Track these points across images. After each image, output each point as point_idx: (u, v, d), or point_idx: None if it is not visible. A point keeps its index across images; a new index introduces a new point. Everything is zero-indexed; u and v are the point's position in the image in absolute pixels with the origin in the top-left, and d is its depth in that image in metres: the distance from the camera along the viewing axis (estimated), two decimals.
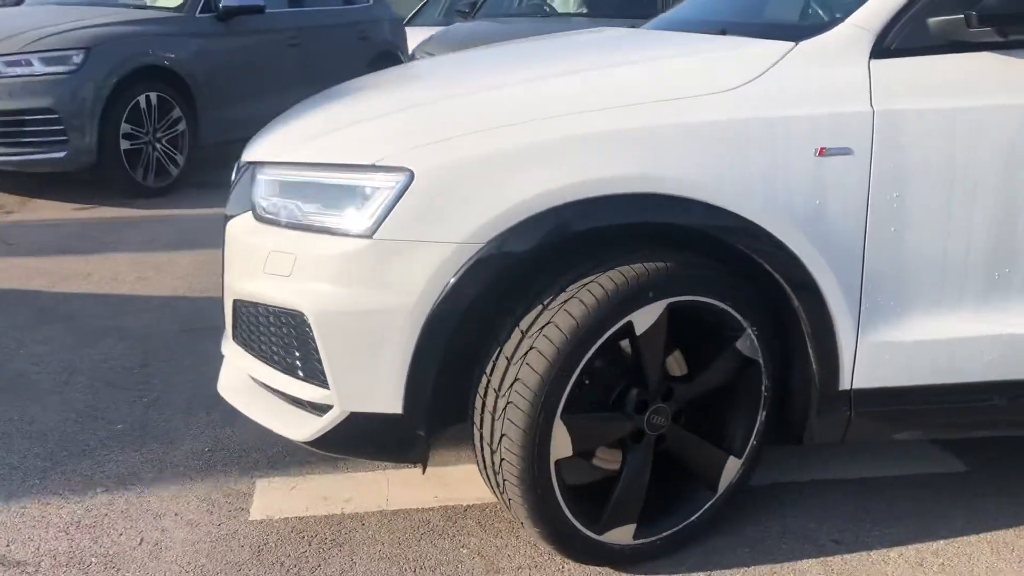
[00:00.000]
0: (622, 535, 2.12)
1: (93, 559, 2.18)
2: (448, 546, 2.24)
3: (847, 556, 2.23)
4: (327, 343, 2.00)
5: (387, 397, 2.00)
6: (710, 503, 2.23)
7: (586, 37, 2.94)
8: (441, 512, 2.39)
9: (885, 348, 2.09)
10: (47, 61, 5.57)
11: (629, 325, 1.97)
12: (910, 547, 2.27)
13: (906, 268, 2.05)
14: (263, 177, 2.17)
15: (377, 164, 1.98)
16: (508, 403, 1.94)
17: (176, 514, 2.38)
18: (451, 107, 2.16)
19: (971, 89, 2.02)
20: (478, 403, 2.04)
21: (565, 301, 1.94)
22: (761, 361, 2.14)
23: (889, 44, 2.03)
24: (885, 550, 2.25)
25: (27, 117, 5.51)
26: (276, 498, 2.46)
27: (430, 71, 2.68)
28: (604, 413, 2.08)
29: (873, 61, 2.02)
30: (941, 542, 2.29)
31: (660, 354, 2.06)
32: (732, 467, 2.22)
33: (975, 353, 2.12)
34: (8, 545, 2.24)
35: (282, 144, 2.27)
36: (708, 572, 2.16)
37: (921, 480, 2.59)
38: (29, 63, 5.56)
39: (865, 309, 2.06)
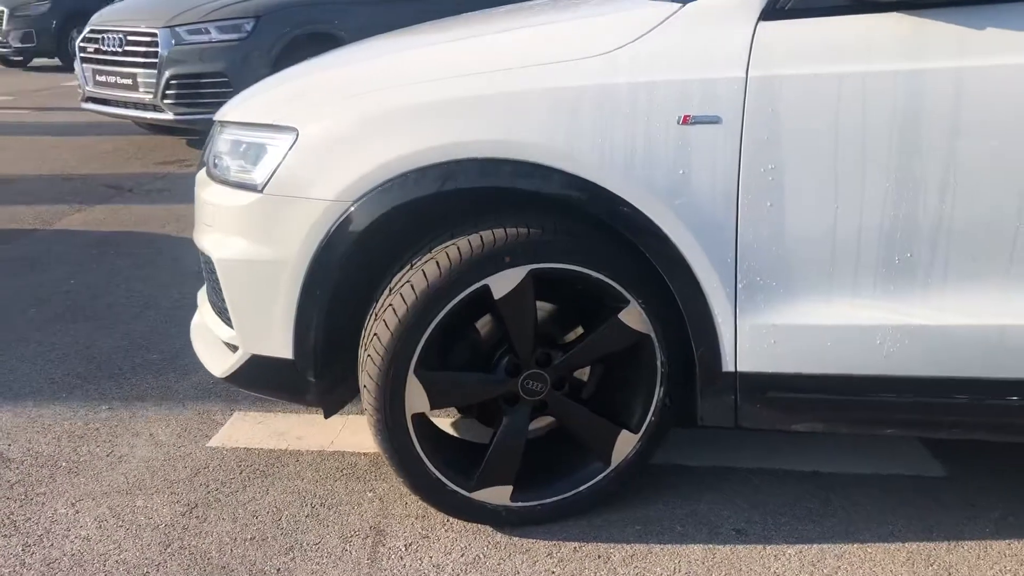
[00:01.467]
0: (497, 496, 2.16)
1: (64, 463, 2.52)
2: (358, 488, 2.38)
3: (738, 547, 2.13)
4: (229, 288, 2.19)
5: (280, 343, 2.15)
6: (601, 476, 2.21)
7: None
8: (371, 458, 2.52)
9: (769, 331, 1.97)
10: (222, 29, 6.17)
11: (486, 289, 1.99)
12: (815, 546, 2.13)
13: (788, 246, 1.91)
14: (215, 134, 2.38)
15: (273, 123, 2.13)
16: (367, 356, 2.04)
17: (151, 435, 2.68)
18: (350, 71, 2.27)
19: (870, 53, 1.84)
20: (358, 356, 2.14)
21: (425, 262, 2.00)
22: (653, 335, 2.08)
23: (784, 4, 1.89)
24: (785, 546, 2.13)
25: (203, 80, 6.13)
26: (240, 429, 2.69)
27: (388, 38, 2.75)
28: (467, 373, 2.12)
29: (762, 23, 1.89)
30: (855, 545, 2.13)
31: (528, 319, 2.06)
32: (627, 442, 2.18)
33: (874, 344, 1.94)
34: (10, 445, 2.62)
35: (234, 104, 2.46)
36: (581, 544, 2.14)
37: (883, 481, 2.40)
38: (207, 31, 6.18)
39: (742, 288, 1.95)
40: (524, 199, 2.00)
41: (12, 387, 2.98)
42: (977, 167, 1.82)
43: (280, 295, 2.11)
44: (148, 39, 6.23)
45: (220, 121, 2.37)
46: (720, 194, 1.90)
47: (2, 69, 13.79)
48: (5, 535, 2.20)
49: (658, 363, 2.11)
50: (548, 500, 2.19)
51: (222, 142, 2.32)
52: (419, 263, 2.01)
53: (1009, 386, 1.93)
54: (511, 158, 1.94)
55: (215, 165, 2.33)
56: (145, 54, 6.25)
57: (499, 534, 2.19)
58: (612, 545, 2.14)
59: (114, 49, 6.44)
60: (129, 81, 6.35)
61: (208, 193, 2.30)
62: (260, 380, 2.26)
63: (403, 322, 1.98)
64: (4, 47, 12.96)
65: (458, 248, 1.98)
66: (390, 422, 2.05)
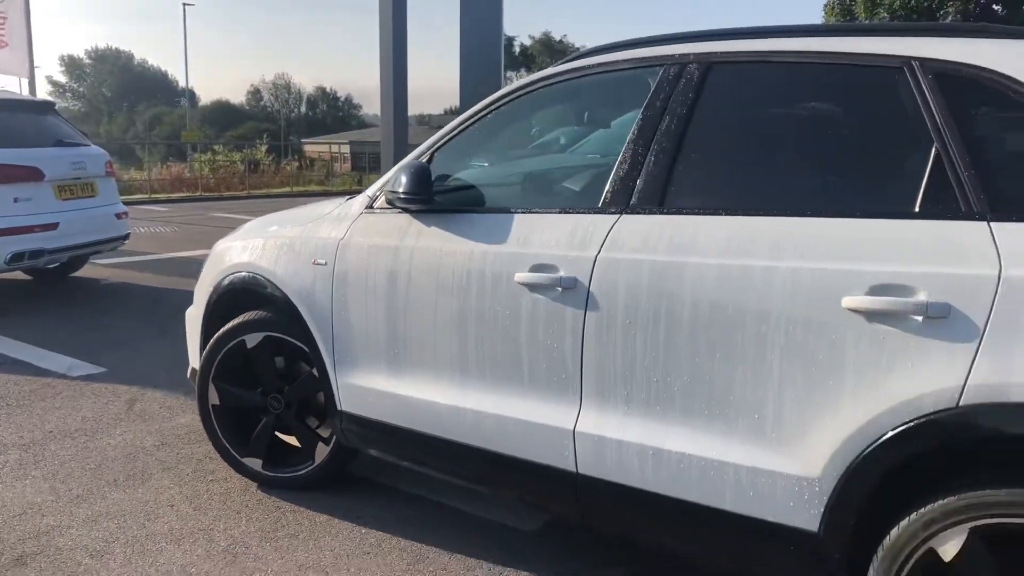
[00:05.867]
0: (255, 464, 3.83)
1: (159, 418, 4.73)
2: None
3: (349, 534, 3.52)
4: (186, 327, 4.22)
5: (197, 360, 4.12)
6: (309, 468, 3.75)
7: None
8: None
9: (349, 386, 3.40)
10: None
11: (243, 342, 3.75)
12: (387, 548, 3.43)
13: (351, 337, 3.35)
14: None
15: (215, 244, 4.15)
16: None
17: None
18: (243, 226, 4.17)
19: (387, 234, 3.24)
20: None
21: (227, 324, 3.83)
22: None
23: (374, 205, 3.41)
24: (376, 536, 3.47)
25: None
26: None
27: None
28: (238, 388, 3.84)
29: (363, 214, 3.41)
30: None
31: (268, 362, 3.73)
32: (322, 450, 3.72)
33: (390, 403, 3.26)
34: (136, 397, 4.92)
35: None
36: (283, 501, 3.71)
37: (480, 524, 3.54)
38: None
39: (337, 359, 3.42)
40: (269, 296, 3.71)
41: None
42: (419, 301, 3.12)
43: (198, 332, 4.07)
44: None
45: None
46: (326, 303, 3.42)
47: None
48: (122, 431, 4.44)
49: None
50: (280, 475, 3.80)
51: None
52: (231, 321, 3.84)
53: (464, 449, 3.08)
54: (257, 274, 3.69)
55: None
56: None
57: (253, 485, 3.84)
58: (297, 506, 3.66)
59: None
60: None
61: None
62: (195, 380, 4.22)
63: (207, 353, 3.83)
64: None
65: (235, 319, 3.77)
66: (202, 408, 3.88)
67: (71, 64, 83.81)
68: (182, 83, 72.20)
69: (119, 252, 9.67)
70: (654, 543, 2.78)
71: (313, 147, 52.81)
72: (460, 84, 26.10)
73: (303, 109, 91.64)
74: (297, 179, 26.72)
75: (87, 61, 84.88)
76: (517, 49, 67.35)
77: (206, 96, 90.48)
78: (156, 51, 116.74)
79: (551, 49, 62.53)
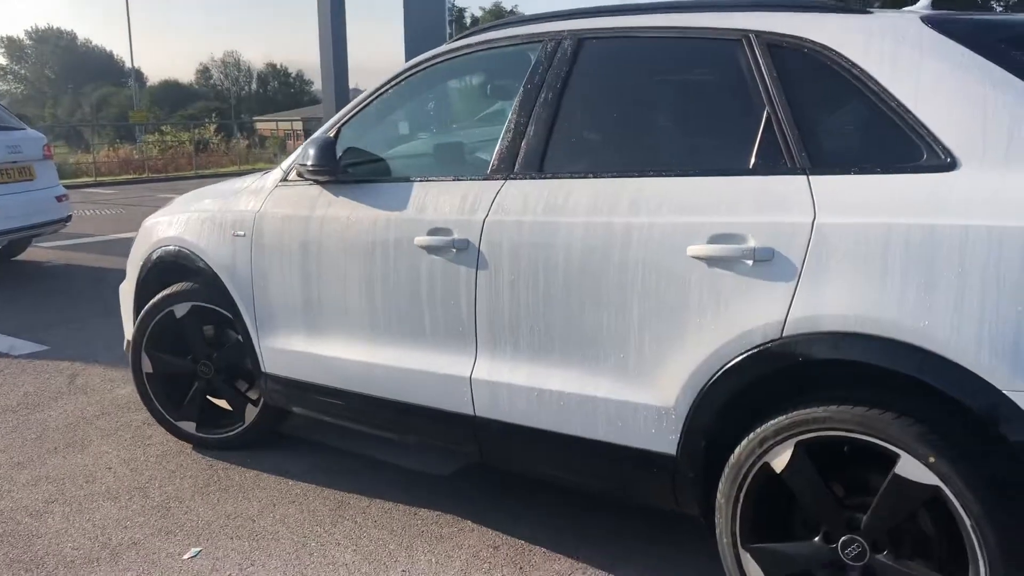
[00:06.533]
0: (189, 427, 4.05)
1: (101, 385, 4.92)
2: None
3: (279, 482, 3.77)
4: (120, 301, 4.41)
5: (130, 331, 4.31)
6: (240, 429, 3.98)
7: None
8: None
9: (271, 349, 3.62)
10: None
11: (172, 312, 3.96)
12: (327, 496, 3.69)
13: (270, 303, 3.58)
14: None
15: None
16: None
17: None
18: (187, 196, 4.37)
19: (298, 203, 3.46)
20: None
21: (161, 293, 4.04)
22: None
23: (287, 178, 3.62)
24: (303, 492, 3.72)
25: None
26: None
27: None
28: (170, 356, 4.06)
29: (278, 187, 3.62)
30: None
31: (197, 330, 3.95)
32: (252, 411, 3.95)
33: (308, 362, 3.50)
34: (73, 366, 5.10)
35: None
36: (215, 460, 3.94)
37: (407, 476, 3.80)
38: None
39: (260, 324, 3.64)
40: (194, 268, 3.92)
41: None
42: (330, 267, 3.35)
43: (130, 305, 4.26)
44: None
45: None
46: (246, 272, 3.64)
47: None
48: (63, 403, 4.62)
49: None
50: (213, 436, 4.03)
51: None
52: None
53: (377, 400, 3.33)
54: (182, 248, 3.90)
55: None
56: None
57: (188, 447, 4.07)
58: (228, 464, 3.90)
59: None
60: None
61: None
62: (130, 352, 4.42)
63: (139, 324, 4.03)
64: None
65: (164, 291, 3.98)
66: (137, 376, 4.09)
67: (11, 46, 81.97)
68: (128, 63, 70.83)
69: (62, 234, 9.75)
70: (544, 474, 3.06)
71: (265, 125, 52.31)
72: (405, 57, 26.18)
73: (254, 87, 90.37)
74: (246, 157, 26.64)
75: (28, 42, 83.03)
76: (468, 20, 67.12)
77: (154, 76, 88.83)
78: (100, 31, 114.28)
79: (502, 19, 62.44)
